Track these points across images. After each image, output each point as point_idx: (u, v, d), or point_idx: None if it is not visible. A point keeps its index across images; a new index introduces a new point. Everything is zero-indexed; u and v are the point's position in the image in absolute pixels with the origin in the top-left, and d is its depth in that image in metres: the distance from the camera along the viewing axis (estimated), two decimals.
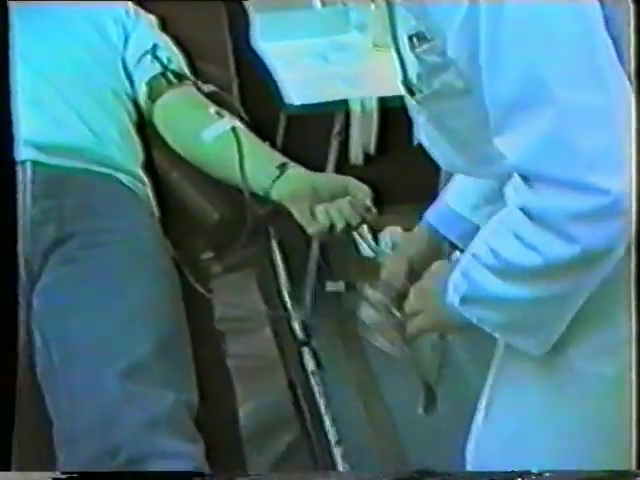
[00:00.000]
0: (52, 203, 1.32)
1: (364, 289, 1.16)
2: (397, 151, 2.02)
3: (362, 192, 1.33)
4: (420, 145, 1.94)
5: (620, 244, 0.86)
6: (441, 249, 1.17)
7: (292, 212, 1.32)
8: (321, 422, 1.32)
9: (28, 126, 1.07)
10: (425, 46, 0.91)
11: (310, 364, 1.38)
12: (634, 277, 0.90)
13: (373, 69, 1.86)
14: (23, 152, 1.26)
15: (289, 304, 1.47)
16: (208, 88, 1.58)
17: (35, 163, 1.35)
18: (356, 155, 1.95)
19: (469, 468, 1.10)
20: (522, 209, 0.87)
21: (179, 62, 1.60)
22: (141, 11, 1.62)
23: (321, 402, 1.34)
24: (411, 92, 0.97)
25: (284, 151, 1.46)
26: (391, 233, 1.98)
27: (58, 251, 1.28)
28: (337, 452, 1.28)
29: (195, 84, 1.57)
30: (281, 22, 1.91)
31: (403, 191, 2.02)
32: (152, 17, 1.64)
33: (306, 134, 1.95)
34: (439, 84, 0.92)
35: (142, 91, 1.56)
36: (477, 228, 1.03)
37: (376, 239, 1.94)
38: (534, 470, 0.98)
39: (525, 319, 0.94)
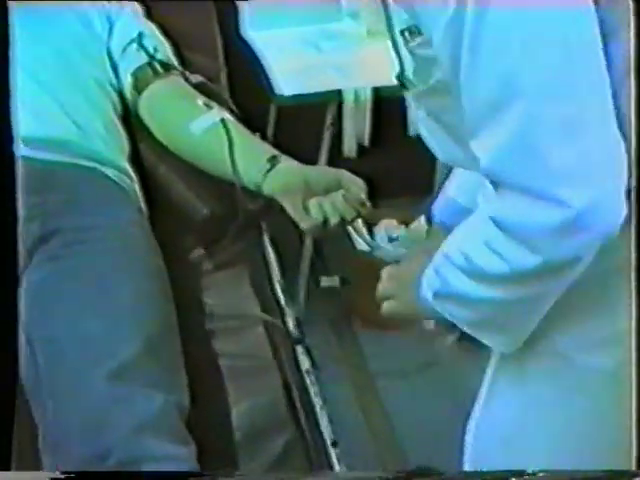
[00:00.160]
0: (36, 199, 1.31)
1: None
2: (392, 143, 2.03)
3: (356, 185, 1.32)
4: (415, 136, 1.94)
5: (586, 255, 0.89)
6: None
7: (284, 207, 1.32)
8: (317, 423, 1.32)
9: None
10: (418, 40, 0.92)
11: (305, 363, 1.38)
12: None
13: (367, 58, 1.86)
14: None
15: (282, 301, 1.47)
16: (196, 79, 1.57)
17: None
18: (349, 147, 1.95)
19: (467, 461, 1.12)
20: (491, 218, 0.91)
21: (166, 51, 1.60)
22: None
23: (316, 402, 1.34)
24: (405, 87, 0.98)
25: (275, 143, 1.45)
26: (387, 227, 1.97)
27: (42, 248, 1.27)
28: (333, 453, 1.28)
29: (182, 74, 1.56)
30: (271, 10, 1.91)
31: (398, 184, 2.02)
32: (137, 5, 1.63)
33: (297, 126, 1.95)
34: (433, 80, 0.93)
35: (127, 82, 1.55)
36: None
37: (371, 233, 1.94)
38: (530, 469, 0.99)
39: (495, 318, 0.97)
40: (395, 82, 1.02)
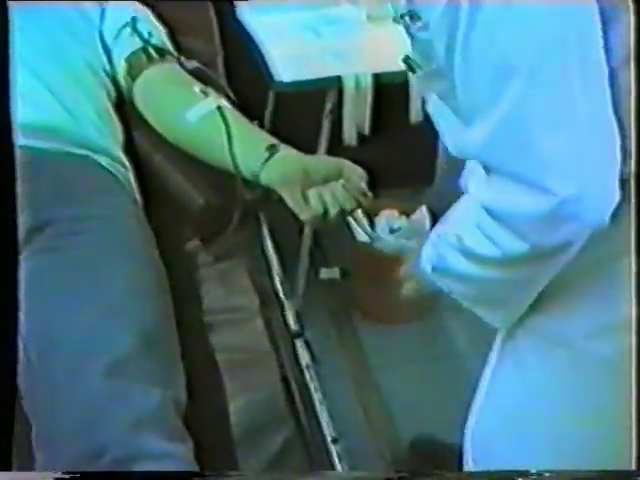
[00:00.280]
0: (26, 188, 1.30)
1: None
2: (393, 131, 2.02)
3: (357, 175, 1.32)
4: (417, 125, 1.95)
5: (576, 242, 0.91)
6: None
7: (283, 197, 1.32)
8: (317, 419, 1.32)
9: None
10: (419, 24, 0.94)
11: (304, 357, 1.38)
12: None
13: (367, 43, 1.85)
14: None
15: (281, 293, 1.46)
16: (192, 64, 1.57)
17: None
18: (349, 135, 1.94)
19: (468, 446, 1.15)
20: (482, 204, 0.94)
21: (160, 36, 1.59)
22: None
23: (316, 397, 1.33)
24: (412, 70, 1.00)
25: (272, 131, 1.45)
26: (388, 217, 1.98)
27: (35, 239, 1.26)
28: (334, 450, 1.28)
29: (178, 60, 1.56)
30: None
31: (400, 173, 2.02)
32: None
33: (296, 113, 1.94)
34: (435, 63, 0.95)
35: (121, 68, 1.54)
36: None
37: (372, 224, 1.94)
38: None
39: (490, 295, 1.03)
40: (397, 67, 1.07)
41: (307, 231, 1.90)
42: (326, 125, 1.91)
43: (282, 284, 1.48)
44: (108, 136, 1.49)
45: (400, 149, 2.06)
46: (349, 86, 1.82)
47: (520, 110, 0.87)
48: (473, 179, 1.01)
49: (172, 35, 1.63)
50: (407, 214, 2.01)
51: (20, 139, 1.32)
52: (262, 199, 1.45)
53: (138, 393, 1.15)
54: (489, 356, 1.14)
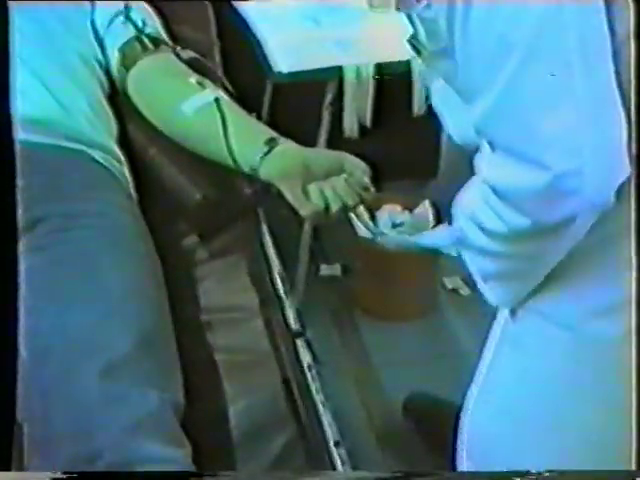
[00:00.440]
0: (19, 183, 1.29)
1: None
2: (395, 123, 2.02)
3: (359, 169, 1.31)
4: (420, 116, 1.95)
5: (580, 220, 0.93)
6: None
7: (283, 192, 1.31)
8: (319, 421, 1.31)
9: None
10: (424, 2, 0.95)
11: (306, 357, 1.37)
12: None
13: (369, 33, 1.85)
14: None
15: (282, 291, 1.46)
16: (187, 54, 1.55)
17: None
18: (350, 128, 1.94)
19: (464, 433, 1.16)
20: (484, 180, 0.98)
21: (155, 25, 1.58)
22: None
23: (318, 399, 1.33)
24: (417, 51, 1.02)
25: (270, 124, 1.44)
26: (390, 212, 1.97)
27: (27, 236, 1.24)
28: (336, 453, 1.27)
29: (173, 50, 1.54)
30: None
31: (402, 166, 2.02)
32: None
33: (295, 105, 1.94)
34: (442, 41, 0.96)
35: (114, 58, 1.53)
36: None
37: (373, 218, 1.93)
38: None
39: (501, 270, 1.05)
40: (399, 57, 1.07)
41: (307, 227, 1.90)
42: (326, 117, 1.91)
43: (282, 282, 1.47)
44: (102, 129, 1.48)
45: (402, 141, 2.06)
46: (350, 77, 1.81)
47: (518, 86, 0.89)
48: (481, 157, 1.03)
49: (167, 24, 1.62)
50: (410, 208, 2.00)
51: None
52: (261, 194, 1.44)
53: (134, 396, 1.14)
54: (487, 342, 1.15)
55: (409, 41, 1.02)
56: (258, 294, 1.42)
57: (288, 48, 1.79)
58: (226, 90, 1.49)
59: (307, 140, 1.45)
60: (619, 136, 0.90)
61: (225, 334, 1.37)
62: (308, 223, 1.85)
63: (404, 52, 1.08)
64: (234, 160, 1.33)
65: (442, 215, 1.81)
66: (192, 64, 1.53)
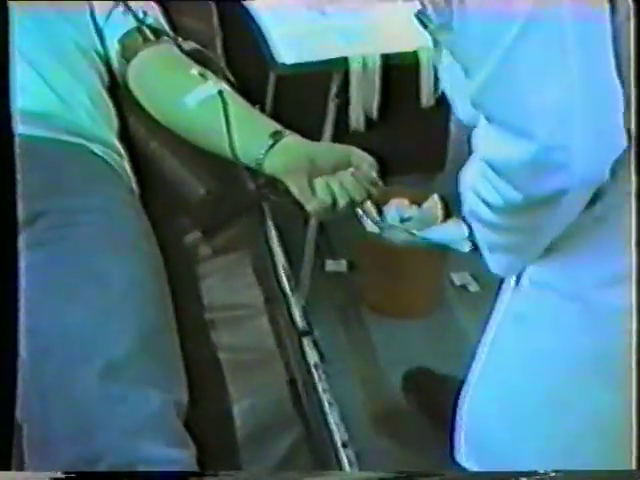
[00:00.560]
0: (18, 178, 1.29)
1: None
2: (403, 115, 2.01)
3: (366, 163, 1.31)
4: (428, 108, 1.95)
5: (568, 193, 0.95)
6: None
7: (288, 186, 1.30)
8: (326, 421, 1.31)
9: None
10: None
11: (312, 356, 1.37)
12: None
13: (376, 23, 1.84)
14: None
15: (287, 288, 1.45)
16: (189, 45, 1.55)
17: None
18: (357, 120, 1.93)
19: (464, 410, 1.17)
20: (482, 157, 1.01)
21: (156, 16, 1.57)
22: None
23: (325, 399, 1.33)
24: (424, 25, 1.04)
25: (274, 116, 1.43)
26: (398, 207, 1.97)
27: (25, 232, 1.24)
28: (344, 455, 1.27)
29: (175, 41, 1.54)
30: None
31: (410, 159, 2.01)
32: None
33: (299, 97, 1.93)
34: (447, 12, 0.97)
35: (114, 49, 1.52)
36: None
37: (381, 213, 1.93)
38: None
39: (507, 242, 1.08)
40: (407, 47, 1.08)
41: (312, 222, 1.89)
42: (331, 109, 1.90)
43: (288, 278, 1.46)
44: (102, 123, 1.47)
45: (410, 134, 2.05)
46: (356, 68, 1.81)
47: (513, 60, 0.92)
48: (478, 133, 1.07)
49: (168, 14, 1.61)
50: (418, 203, 2.01)
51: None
52: (266, 189, 1.44)
53: (136, 396, 1.14)
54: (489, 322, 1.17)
55: (416, 15, 1.04)
56: (263, 291, 1.42)
57: (292, 38, 1.79)
58: (228, 82, 1.49)
59: (312, 133, 1.44)
60: (613, 113, 0.92)
61: (229, 332, 1.36)
62: (314, 218, 1.84)
63: (411, 42, 1.09)
64: (235, 155, 1.32)
65: (451, 209, 1.80)
66: (194, 55, 1.52)
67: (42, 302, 1.18)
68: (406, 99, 1.88)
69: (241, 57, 1.67)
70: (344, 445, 1.28)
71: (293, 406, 1.29)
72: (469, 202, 1.08)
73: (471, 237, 1.24)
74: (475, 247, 1.26)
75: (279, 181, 1.32)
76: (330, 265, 2.06)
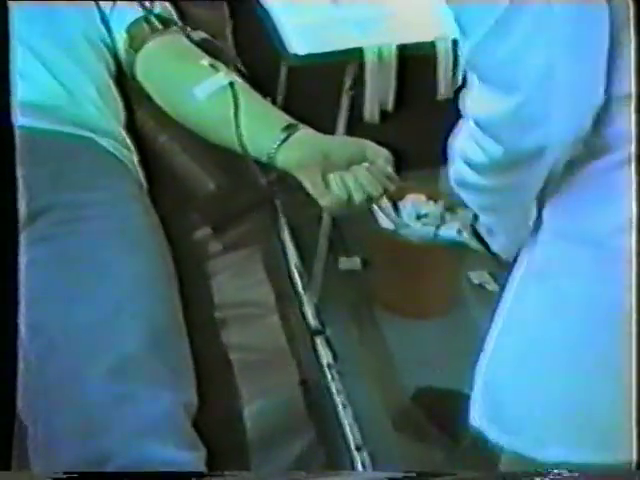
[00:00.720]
0: (21, 172, 1.29)
1: None
2: (419, 107, 2.01)
3: (381, 157, 1.31)
4: (445, 100, 1.95)
5: (547, 148, 1.01)
6: None
7: (302, 181, 1.30)
8: (339, 423, 1.31)
9: None
10: None
11: (325, 356, 1.37)
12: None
13: (391, 12, 1.84)
14: None
15: (299, 286, 1.45)
16: (199, 35, 1.55)
17: None
18: (371, 112, 1.93)
19: (479, 378, 1.19)
20: (469, 115, 1.06)
21: (164, 4, 1.57)
22: None
23: (339, 400, 1.33)
24: None
25: (285, 109, 1.43)
26: (414, 202, 1.96)
27: (30, 228, 1.25)
28: (358, 458, 1.27)
29: (183, 31, 1.54)
30: None
31: (426, 153, 2.00)
32: None
33: (312, 89, 1.93)
34: None
35: (121, 39, 1.53)
36: None
37: (396, 209, 1.92)
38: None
39: (493, 204, 1.15)
40: (423, 38, 1.10)
41: (326, 218, 1.89)
42: (345, 102, 1.90)
43: (300, 276, 1.47)
44: (110, 116, 1.47)
45: (427, 127, 2.04)
46: (371, 58, 1.80)
47: (507, 19, 0.97)
48: (467, 93, 1.11)
49: (176, 3, 1.61)
50: (435, 199, 2.00)
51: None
52: (278, 183, 1.44)
53: (145, 397, 1.14)
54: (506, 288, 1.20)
55: None
56: (274, 289, 1.42)
57: (305, 29, 1.79)
58: (240, 73, 1.49)
59: (325, 126, 1.44)
60: (594, 73, 0.98)
61: (240, 331, 1.37)
62: (327, 214, 1.84)
63: (429, 32, 1.10)
64: (244, 148, 1.33)
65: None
66: (204, 46, 1.52)
67: (47, 299, 1.19)
68: (423, 91, 1.87)
69: (252, 48, 1.67)
70: (358, 448, 1.28)
71: (305, 407, 1.29)
72: (456, 168, 1.13)
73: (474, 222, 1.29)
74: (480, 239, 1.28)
75: (291, 176, 1.32)
76: (343, 262, 2.05)
